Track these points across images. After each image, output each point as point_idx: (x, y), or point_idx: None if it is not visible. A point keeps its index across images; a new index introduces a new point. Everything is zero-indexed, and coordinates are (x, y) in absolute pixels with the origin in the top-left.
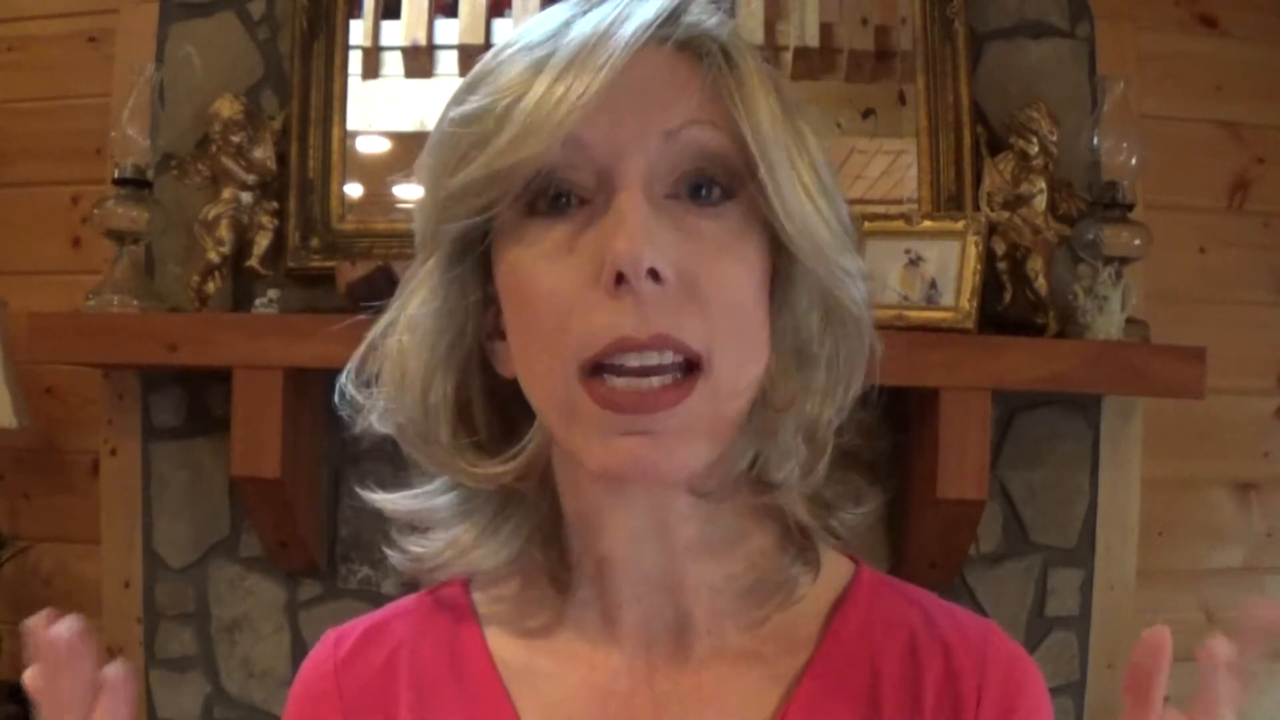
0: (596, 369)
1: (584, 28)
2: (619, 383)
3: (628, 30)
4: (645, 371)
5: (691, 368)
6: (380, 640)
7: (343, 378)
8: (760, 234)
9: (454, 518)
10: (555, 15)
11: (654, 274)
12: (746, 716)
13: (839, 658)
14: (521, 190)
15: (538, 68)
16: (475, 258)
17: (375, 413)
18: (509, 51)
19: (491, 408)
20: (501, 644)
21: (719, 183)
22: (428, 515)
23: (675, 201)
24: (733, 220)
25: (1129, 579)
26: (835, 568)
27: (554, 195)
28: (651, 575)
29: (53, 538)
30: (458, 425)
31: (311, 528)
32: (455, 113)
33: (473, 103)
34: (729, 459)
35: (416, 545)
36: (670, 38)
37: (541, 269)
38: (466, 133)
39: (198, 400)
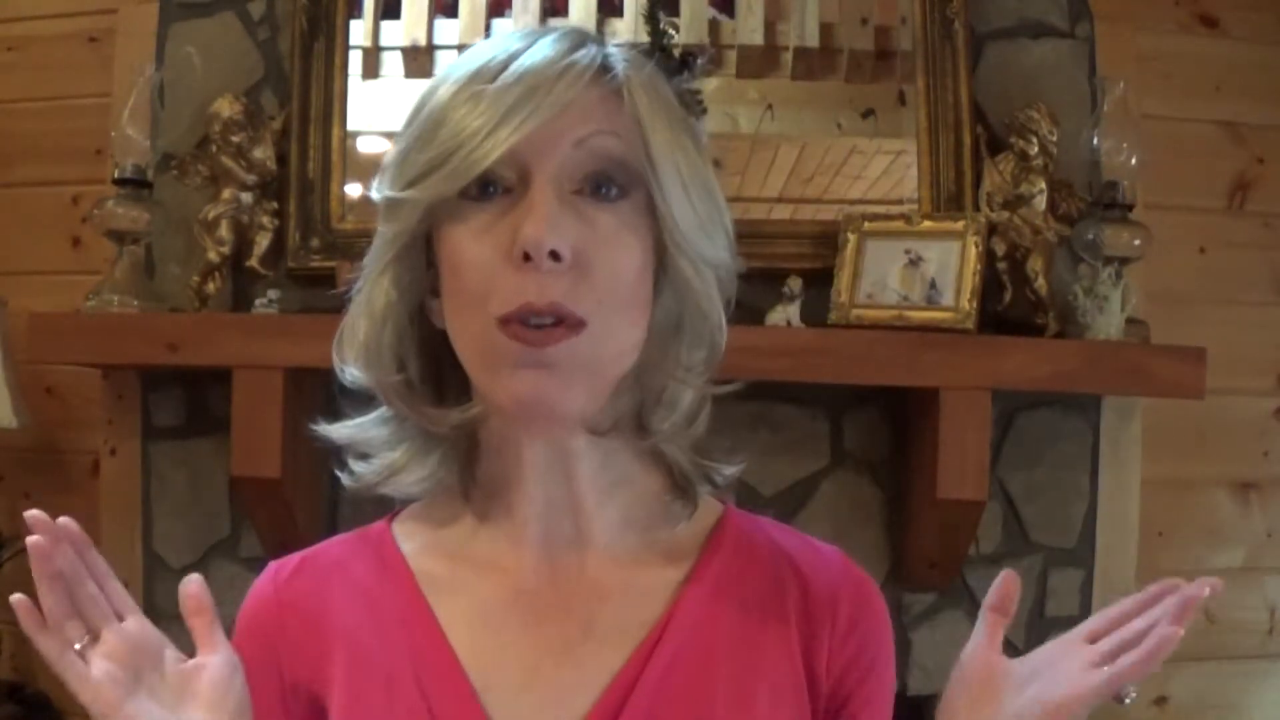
0: (507, 322)
1: (526, 64)
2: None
3: (565, 78)
4: (541, 328)
5: (575, 325)
6: (315, 563)
7: (334, 345)
8: (647, 228)
9: (388, 444)
10: (497, 45)
11: (554, 255)
12: (640, 611)
13: (715, 570)
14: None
15: (477, 99)
16: (421, 236)
17: (350, 373)
18: (453, 87)
19: (424, 355)
20: (422, 562)
21: (616, 183)
22: (366, 443)
23: (579, 196)
24: (625, 214)
25: (1129, 579)
26: (709, 506)
27: (483, 184)
28: (554, 499)
29: None
30: (392, 365)
31: (311, 528)
32: (409, 142)
33: (423, 132)
34: (615, 404)
35: (358, 466)
36: (592, 71)
37: (469, 244)
38: (420, 159)
39: (198, 400)
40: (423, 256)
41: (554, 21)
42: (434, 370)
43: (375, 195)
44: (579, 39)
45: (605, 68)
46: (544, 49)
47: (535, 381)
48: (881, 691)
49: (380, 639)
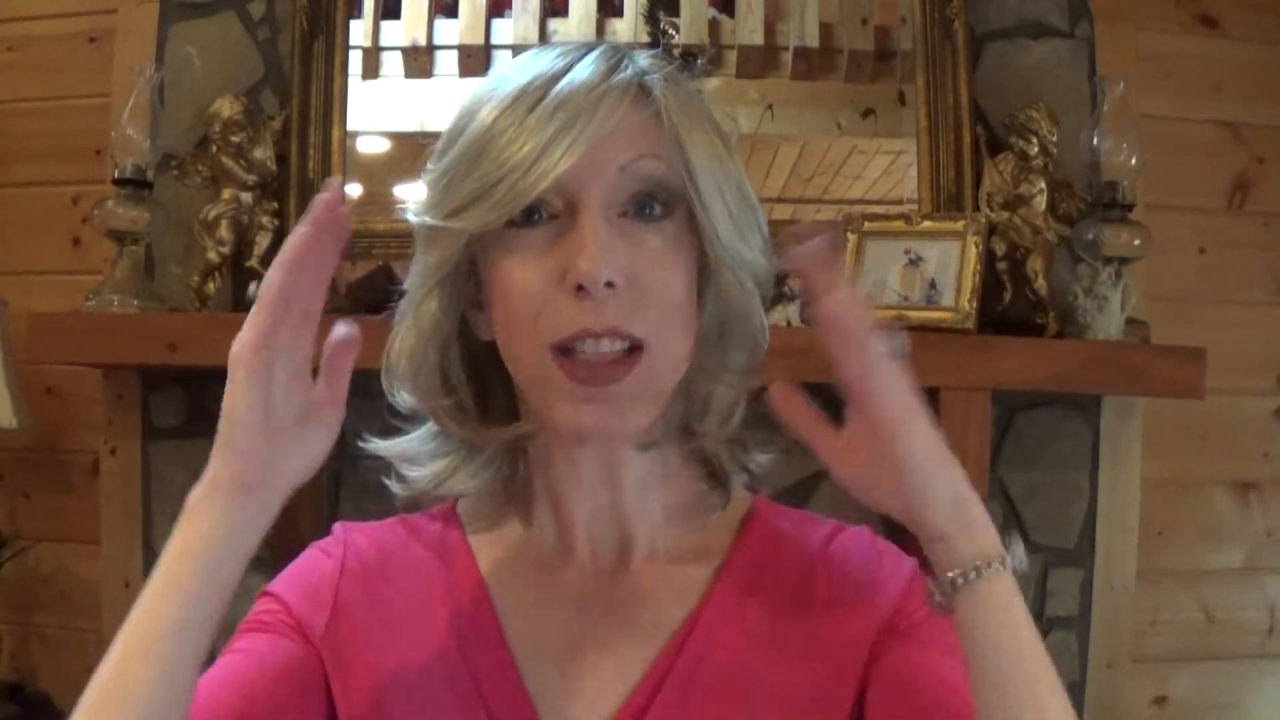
0: (563, 350)
1: (565, 89)
2: (582, 363)
3: (605, 103)
4: (600, 359)
5: (634, 349)
6: (381, 533)
7: (382, 370)
8: (691, 242)
9: (434, 456)
10: (535, 67)
11: (609, 284)
12: (674, 608)
13: (745, 563)
14: None
15: (520, 127)
16: (465, 260)
17: (401, 396)
18: (494, 112)
19: (470, 371)
20: (483, 553)
21: (660, 202)
22: (413, 455)
23: (625, 219)
24: (670, 232)
25: (1129, 579)
26: (739, 499)
27: (528, 212)
28: (601, 507)
29: (53, 538)
30: (442, 389)
31: (311, 528)
32: (451, 169)
33: (466, 159)
34: (666, 417)
35: (410, 472)
36: (631, 95)
37: (518, 272)
38: (464, 188)
39: (198, 400)
40: (465, 275)
41: (553, 23)
42: (480, 386)
43: (414, 219)
44: (615, 58)
45: (643, 88)
46: (583, 71)
47: (595, 415)
48: (930, 631)
49: (433, 620)
